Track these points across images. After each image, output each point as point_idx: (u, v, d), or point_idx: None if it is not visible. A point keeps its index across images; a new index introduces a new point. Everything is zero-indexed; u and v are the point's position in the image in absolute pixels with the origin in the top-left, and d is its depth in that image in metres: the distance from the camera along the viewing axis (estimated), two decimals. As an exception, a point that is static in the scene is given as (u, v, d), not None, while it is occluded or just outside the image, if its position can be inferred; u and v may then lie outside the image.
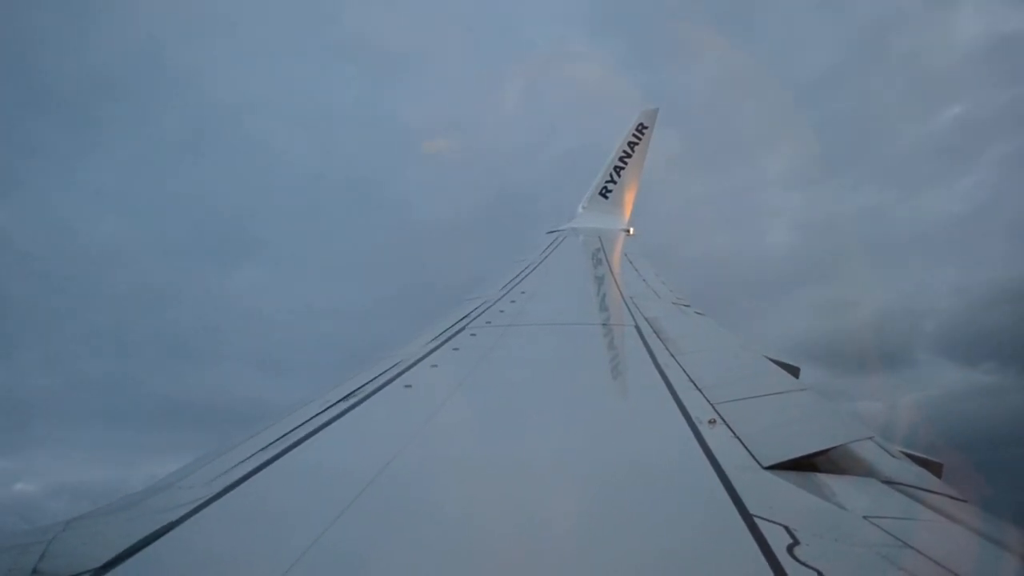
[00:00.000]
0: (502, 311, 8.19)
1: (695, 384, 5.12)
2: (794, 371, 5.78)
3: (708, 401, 4.67)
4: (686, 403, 4.64)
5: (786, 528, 2.74)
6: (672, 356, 6.08)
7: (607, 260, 14.04)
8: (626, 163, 20.24)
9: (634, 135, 20.71)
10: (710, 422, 4.21)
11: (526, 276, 11.07)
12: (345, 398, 4.83)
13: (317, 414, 4.50)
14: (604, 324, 8.15)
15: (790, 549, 2.59)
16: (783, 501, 3.12)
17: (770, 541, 2.65)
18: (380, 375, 5.42)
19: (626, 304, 9.00)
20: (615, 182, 19.95)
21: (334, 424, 4.31)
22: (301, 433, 4.10)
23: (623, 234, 18.19)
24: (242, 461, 3.68)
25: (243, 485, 3.35)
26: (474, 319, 7.66)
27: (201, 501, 3.11)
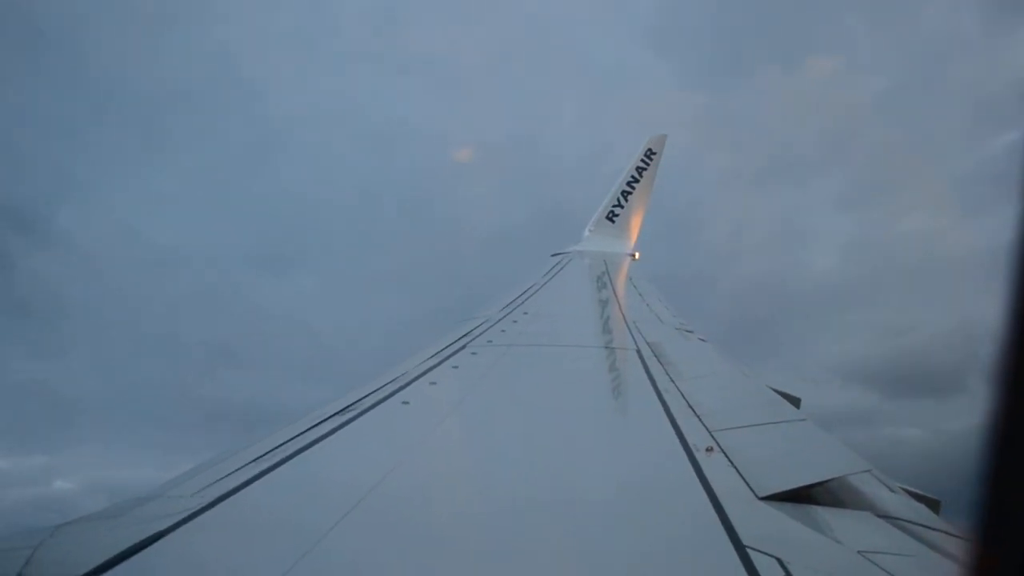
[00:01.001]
0: (504, 331, 8.17)
1: (694, 411, 5.10)
2: (795, 401, 5.75)
3: (706, 428, 4.64)
4: (684, 429, 4.61)
5: (778, 560, 2.71)
6: (672, 381, 6.06)
7: (611, 284, 14.03)
8: (634, 188, 20.29)
9: (642, 160, 20.77)
10: (707, 450, 4.18)
11: (530, 297, 11.06)
12: (342, 412, 4.82)
13: (312, 427, 4.49)
14: (605, 347, 8.13)
15: None
16: (777, 532, 3.09)
17: (761, 573, 2.61)
18: (378, 390, 5.41)
19: (628, 328, 8.98)
20: (622, 206, 19.99)
21: (329, 438, 4.30)
22: (296, 446, 4.08)
23: (628, 258, 18.20)
24: (235, 472, 3.66)
25: (234, 496, 3.33)
26: (475, 338, 7.65)
27: (192, 511, 3.09)
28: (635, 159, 20.85)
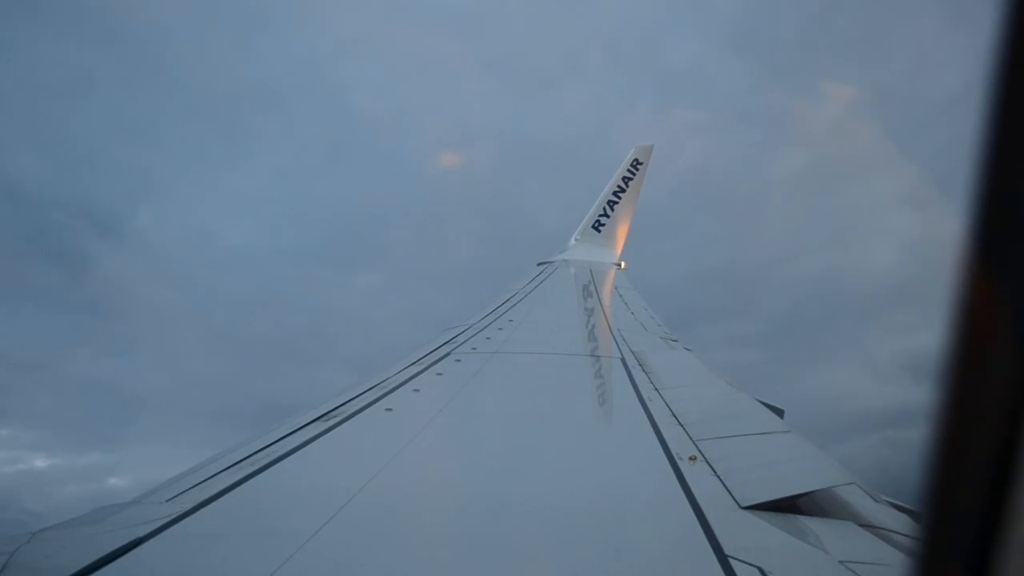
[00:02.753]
0: (489, 338, 8.16)
1: (678, 420, 5.10)
2: (779, 412, 5.76)
3: (690, 437, 4.65)
4: (667, 438, 4.61)
5: (760, 569, 2.71)
6: (656, 390, 6.06)
7: (597, 292, 14.06)
8: (620, 198, 20.36)
9: (629, 170, 20.86)
10: (690, 458, 4.18)
11: (515, 305, 11.06)
12: (324, 419, 4.78)
13: (295, 432, 4.45)
14: (590, 355, 8.13)
15: None
16: (759, 542, 3.09)
17: None
18: (361, 396, 5.38)
19: (613, 336, 9.00)
20: (608, 216, 20.05)
21: (312, 445, 4.26)
22: (277, 452, 4.04)
23: (614, 267, 18.26)
24: (215, 476, 3.62)
25: (215, 503, 3.29)
26: (460, 345, 7.63)
27: (172, 517, 3.06)
28: (621, 169, 20.94)
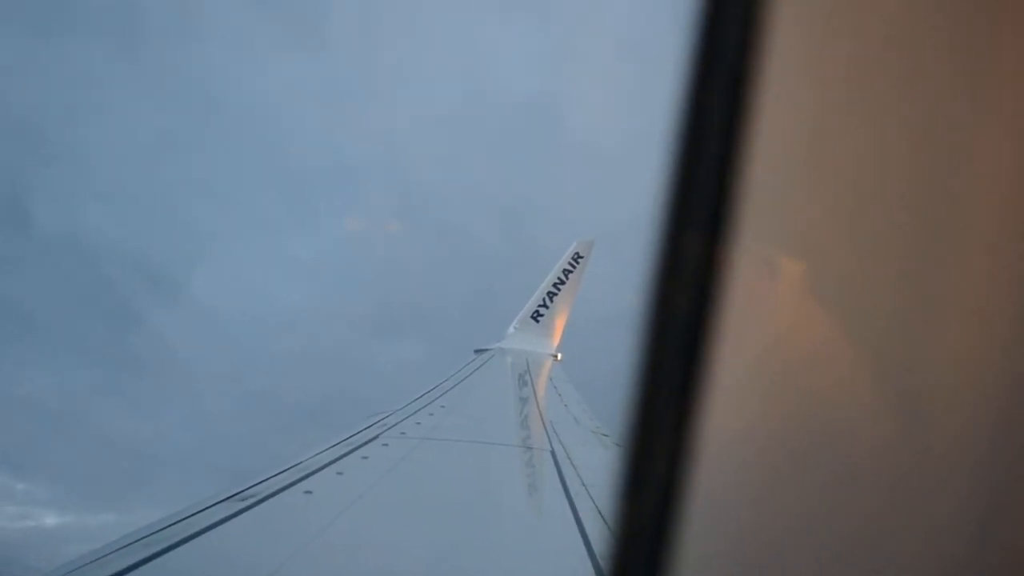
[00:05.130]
0: (419, 423, 8.04)
1: (603, 517, 5.06)
2: None
3: None
4: (591, 536, 4.56)
5: None
6: (584, 485, 6.02)
7: (532, 383, 14.07)
8: (559, 289, 20.71)
9: (569, 263, 21.32)
10: None
11: (449, 391, 10.97)
12: (237, 499, 4.58)
13: (200, 512, 4.24)
14: (520, 446, 8.06)
15: None
16: None
17: None
18: (280, 475, 5.19)
19: (545, 428, 8.97)
20: (547, 307, 20.32)
21: (220, 527, 4.05)
22: (178, 535, 3.83)
23: (551, 359, 18.37)
24: (110, 557, 3.40)
25: None
26: (388, 428, 7.49)
27: None
28: (562, 261, 21.40)
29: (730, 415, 1.06)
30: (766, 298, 1.11)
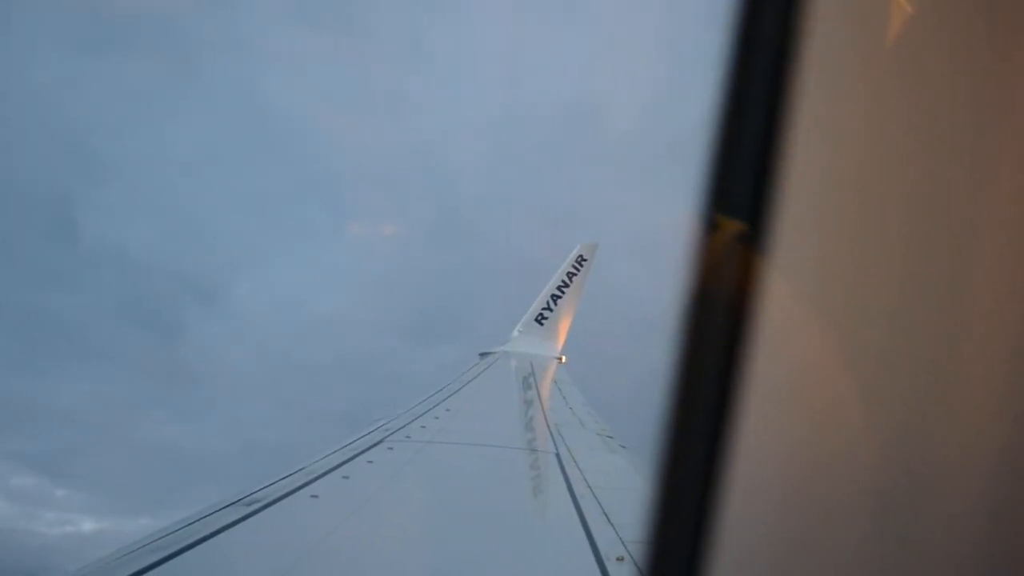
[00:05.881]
0: (424, 427, 8.02)
1: (608, 519, 5.03)
2: None
3: (620, 537, 4.58)
4: (597, 538, 4.54)
5: None
6: (589, 488, 6.00)
7: (536, 386, 14.05)
8: (563, 292, 20.72)
9: (573, 266, 21.34)
10: (618, 559, 4.11)
11: (454, 394, 10.96)
12: (243, 504, 4.56)
13: (206, 517, 4.22)
14: (525, 449, 8.04)
15: None
16: None
17: None
18: (286, 480, 5.17)
19: (550, 431, 8.94)
20: (551, 310, 20.33)
21: (227, 531, 4.04)
22: (189, 539, 3.81)
23: (555, 361, 18.38)
24: (117, 562, 3.38)
25: None
26: (394, 432, 7.47)
27: None
28: (566, 264, 21.43)
29: (763, 429, 1.04)
30: (800, 311, 1.10)
